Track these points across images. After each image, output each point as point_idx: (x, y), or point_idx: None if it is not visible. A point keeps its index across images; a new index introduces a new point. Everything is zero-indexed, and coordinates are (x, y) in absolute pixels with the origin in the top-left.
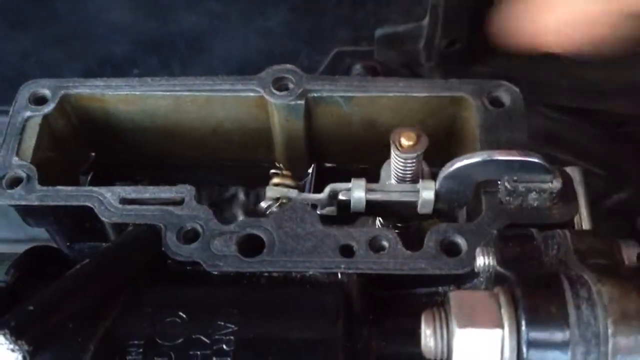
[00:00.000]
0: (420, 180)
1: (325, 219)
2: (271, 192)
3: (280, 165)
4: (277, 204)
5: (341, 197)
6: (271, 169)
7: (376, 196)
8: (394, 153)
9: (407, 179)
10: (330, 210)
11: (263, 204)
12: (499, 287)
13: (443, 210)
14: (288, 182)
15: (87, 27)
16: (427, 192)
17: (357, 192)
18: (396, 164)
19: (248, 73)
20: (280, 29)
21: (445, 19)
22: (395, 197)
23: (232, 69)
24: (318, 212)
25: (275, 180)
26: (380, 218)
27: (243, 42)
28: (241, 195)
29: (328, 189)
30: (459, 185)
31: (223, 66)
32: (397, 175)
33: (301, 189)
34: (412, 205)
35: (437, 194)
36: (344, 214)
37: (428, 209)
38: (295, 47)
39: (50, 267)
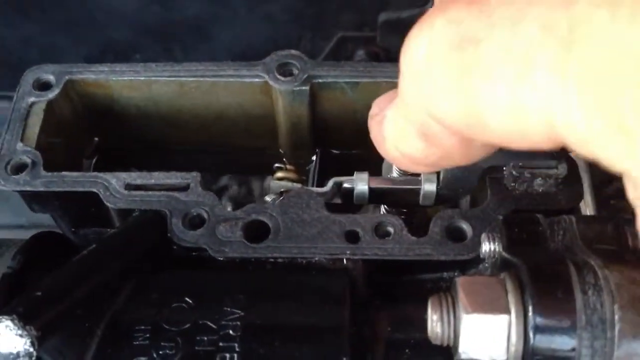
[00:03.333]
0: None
1: (330, 206)
2: (275, 186)
3: (284, 159)
4: (281, 197)
5: (345, 185)
6: (275, 155)
7: (379, 186)
8: None
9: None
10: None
11: (268, 198)
12: (506, 273)
13: (447, 196)
14: (291, 176)
15: (89, 14)
16: (429, 185)
17: (360, 185)
18: None
19: (251, 60)
20: (284, 14)
21: None
22: (398, 187)
23: (235, 56)
24: None
25: (279, 174)
26: (384, 205)
27: (246, 29)
28: (234, 186)
29: (331, 183)
30: (463, 172)
31: (226, 53)
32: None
33: (304, 183)
34: (416, 192)
35: (442, 180)
36: (348, 201)
37: (430, 201)
38: (298, 33)
39: (56, 253)
